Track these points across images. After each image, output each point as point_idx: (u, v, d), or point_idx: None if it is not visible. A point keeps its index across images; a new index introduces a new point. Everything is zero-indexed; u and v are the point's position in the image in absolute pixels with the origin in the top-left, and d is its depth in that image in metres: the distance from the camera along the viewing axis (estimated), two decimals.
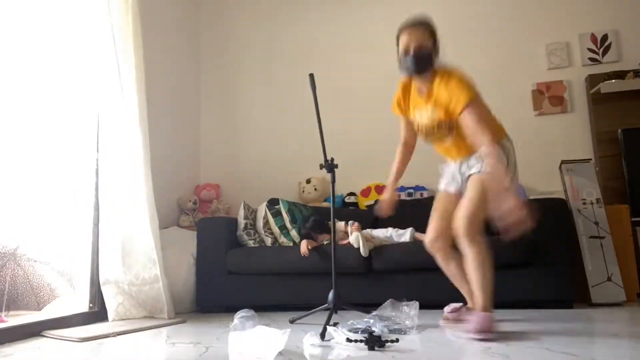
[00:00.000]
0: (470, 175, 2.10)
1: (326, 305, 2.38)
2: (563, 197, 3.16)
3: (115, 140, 2.90)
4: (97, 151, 2.97)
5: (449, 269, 2.23)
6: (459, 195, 2.14)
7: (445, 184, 2.26)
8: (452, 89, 2.00)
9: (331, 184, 2.47)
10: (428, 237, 2.20)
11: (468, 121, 1.96)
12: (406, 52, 2.08)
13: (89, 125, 3.01)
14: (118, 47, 2.92)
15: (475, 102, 1.98)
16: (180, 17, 4.20)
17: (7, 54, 2.57)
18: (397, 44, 2.14)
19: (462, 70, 2.09)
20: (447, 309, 2.27)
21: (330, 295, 2.38)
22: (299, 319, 2.50)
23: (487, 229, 2.06)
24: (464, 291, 2.26)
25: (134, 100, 2.94)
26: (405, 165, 2.39)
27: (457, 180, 2.20)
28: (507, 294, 2.72)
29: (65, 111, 2.93)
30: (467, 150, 2.11)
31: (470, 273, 2.02)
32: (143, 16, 3.10)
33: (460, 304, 2.26)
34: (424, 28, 2.11)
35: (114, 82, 2.90)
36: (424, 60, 2.06)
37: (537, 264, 2.74)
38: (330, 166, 2.43)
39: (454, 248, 2.15)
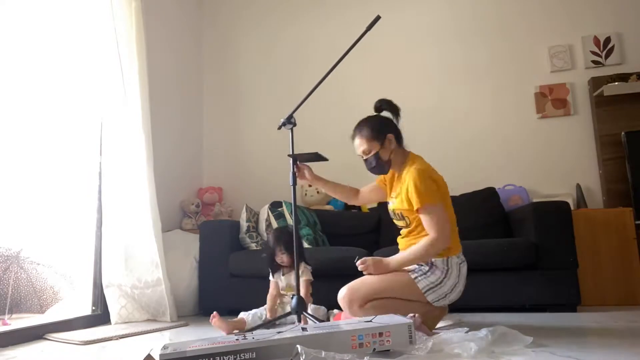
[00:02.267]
0: None
1: (289, 312, 2.25)
2: (566, 199, 3.14)
3: (118, 143, 2.91)
4: (100, 154, 2.98)
5: None
6: None
7: None
8: (412, 189, 2.01)
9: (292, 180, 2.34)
10: None
11: (424, 220, 2.01)
12: (360, 156, 2.18)
13: (92, 129, 3.02)
14: (122, 51, 2.94)
15: (433, 204, 1.99)
16: (183, 22, 4.22)
17: (11, 58, 2.59)
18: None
19: (422, 167, 2.06)
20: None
21: (294, 301, 2.21)
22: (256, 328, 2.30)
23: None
24: None
25: (137, 103, 2.96)
26: (341, 189, 2.47)
27: None
28: (511, 297, 2.73)
29: (68, 115, 2.95)
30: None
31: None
32: (146, 21, 3.12)
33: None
34: (367, 128, 2.14)
35: (117, 86, 2.92)
36: (374, 167, 2.15)
37: (540, 267, 2.73)
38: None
39: None
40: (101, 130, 2.98)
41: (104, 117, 2.94)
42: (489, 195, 3.32)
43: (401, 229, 2.20)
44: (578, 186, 3.46)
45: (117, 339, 2.33)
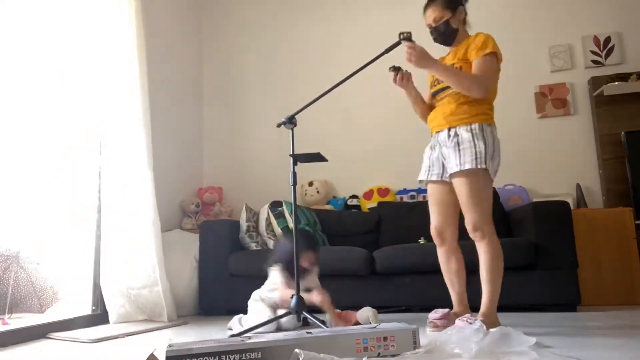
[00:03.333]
0: (452, 175, 2.12)
1: (289, 312, 2.20)
2: (566, 199, 3.14)
3: (118, 143, 2.91)
4: (100, 154, 2.97)
5: (448, 265, 2.24)
6: (445, 181, 2.18)
7: (426, 172, 2.24)
8: (481, 39, 2.11)
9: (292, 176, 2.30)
10: (433, 231, 2.25)
11: (480, 65, 2.07)
12: (429, 27, 2.23)
13: (92, 129, 3.01)
14: (122, 51, 2.93)
15: (495, 59, 2.08)
16: (183, 22, 4.21)
17: (11, 58, 2.58)
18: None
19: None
20: (434, 314, 2.15)
21: (294, 301, 2.16)
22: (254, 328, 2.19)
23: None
24: (453, 294, 2.25)
25: (137, 103, 2.95)
26: (423, 103, 2.33)
27: (435, 165, 2.21)
28: (510, 297, 2.71)
29: (68, 115, 2.94)
30: (450, 116, 2.13)
31: (482, 274, 2.07)
32: (146, 21, 3.11)
33: (447, 309, 2.18)
34: (439, 1, 2.19)
35: (117, 86, 2.91)
36: (442, 34, 2.21)
37: (540, 267, 2.73)
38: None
39: (459, 246, 2.23)
40: (101, 130, 2.96)
41: (103, 117, 2.93)
42: None
43: (436, 102, 2.23)
44: (578, 186, 3.46)
45: (123, 337, 2.34)
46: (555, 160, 3.64)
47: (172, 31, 3.98)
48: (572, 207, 3.18)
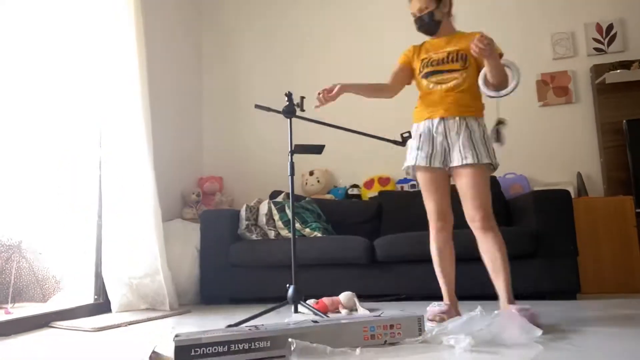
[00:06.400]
0: (462, 166, 2.04)
1: (286, 301, 2.22)
2: (567, 188, 3.15)
3: (118, 133, 2.89)
4: (101, 144, 2.96)
5: (443, 253, 2.17)
6: (445, 169, 2.11)
7: (427, 158, 2.11)
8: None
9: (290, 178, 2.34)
10: (438, 215, 2.16)
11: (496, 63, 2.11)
12: (413, 16, 2.23)
13: (93, 119, 3.00)
14: (122, 42, 2.92)
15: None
16: (181, 15, 4.17)
17: (14, 52, 2.56)
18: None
19: None
20: (436, 309, 2.11)
21: (290, 290, 2.19)
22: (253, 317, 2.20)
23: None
24: (449, 285, 2.19)
25: (137, 93, 2.93)
26: (373, 91, 2.38)
27: (439, 152, 2.10)
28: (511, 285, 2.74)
29: (69, 105, 2.92)
30: (464, 106, 2.09)
31: (493, 263, 2.03)
32: (145, 13, 3.08)
33: (442, 302, 2.15)
34: None
35: (117, 75, 2.89)
36: (425, 24, 2.20)
37: (540, 256, 2.74)
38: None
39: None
40: (101, 120, 2.95)
41: (105, 106, 2.91)
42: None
43: (435, 85, 2.14)
44: (579, 174, 3.47)
45: (125, 325, 2.35)
46: (556, 149, 3.64)
47: (171, 22, 3.94)
48: (572, 196, 3.18)
